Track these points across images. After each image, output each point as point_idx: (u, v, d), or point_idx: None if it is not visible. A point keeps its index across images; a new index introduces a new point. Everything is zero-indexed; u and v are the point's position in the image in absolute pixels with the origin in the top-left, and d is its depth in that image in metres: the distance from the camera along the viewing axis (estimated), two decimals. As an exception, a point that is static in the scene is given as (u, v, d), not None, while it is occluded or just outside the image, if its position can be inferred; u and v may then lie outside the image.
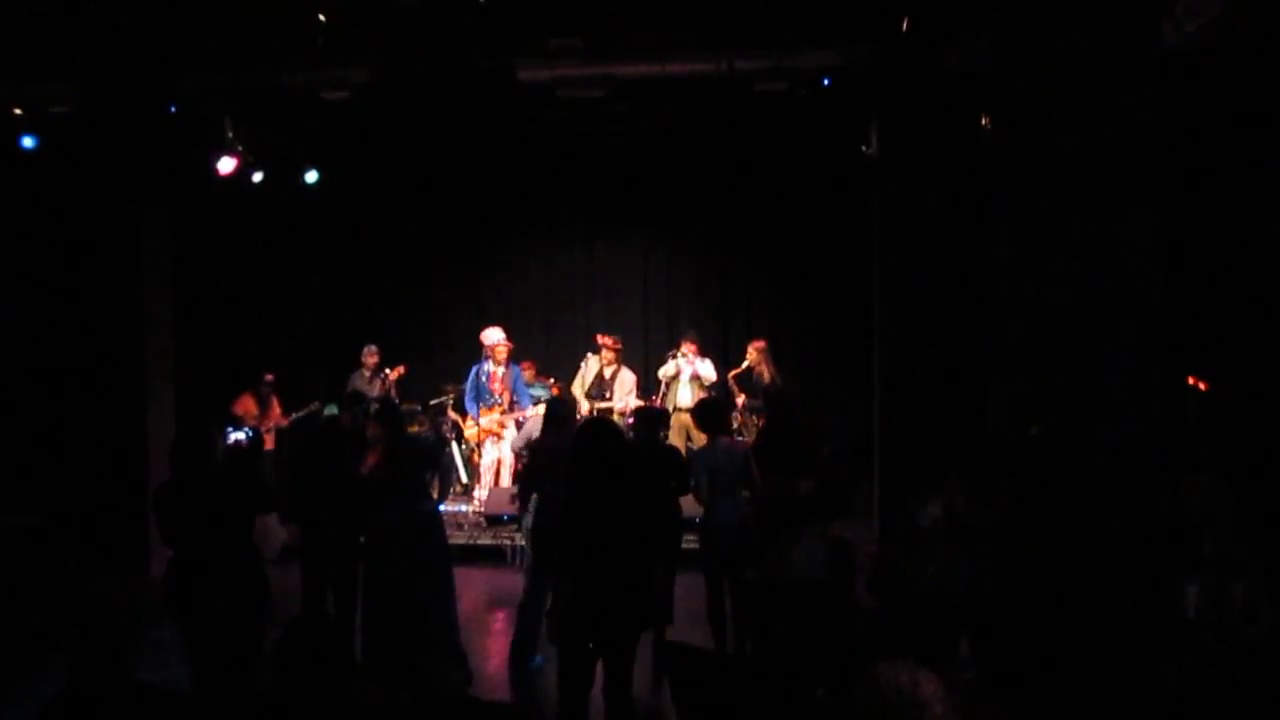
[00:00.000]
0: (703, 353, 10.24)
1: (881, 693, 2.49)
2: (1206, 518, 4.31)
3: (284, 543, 7.98)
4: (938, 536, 4.89)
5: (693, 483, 6.48)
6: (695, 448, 10.09)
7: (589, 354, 10.30)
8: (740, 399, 10.12)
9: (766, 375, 10.05)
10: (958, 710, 2.47)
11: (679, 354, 10.14)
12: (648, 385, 10.98)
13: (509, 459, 9.77)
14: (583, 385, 10.09)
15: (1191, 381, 8.35)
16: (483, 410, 9.73)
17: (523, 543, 7.85)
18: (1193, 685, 4.21)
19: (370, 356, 10.54)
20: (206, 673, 5.14)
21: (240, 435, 10.02)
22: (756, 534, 6.19)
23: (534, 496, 6.69)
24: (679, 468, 6.64)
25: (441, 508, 7.11)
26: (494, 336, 9.71)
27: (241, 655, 5.17)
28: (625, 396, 9.96)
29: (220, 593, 5.12)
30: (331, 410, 9.99)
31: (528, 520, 6.86)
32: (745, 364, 10.22)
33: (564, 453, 6.42)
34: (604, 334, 10.21)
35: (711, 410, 6.96)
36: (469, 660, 3.51)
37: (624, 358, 10.38)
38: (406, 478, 6.30)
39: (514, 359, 10.07)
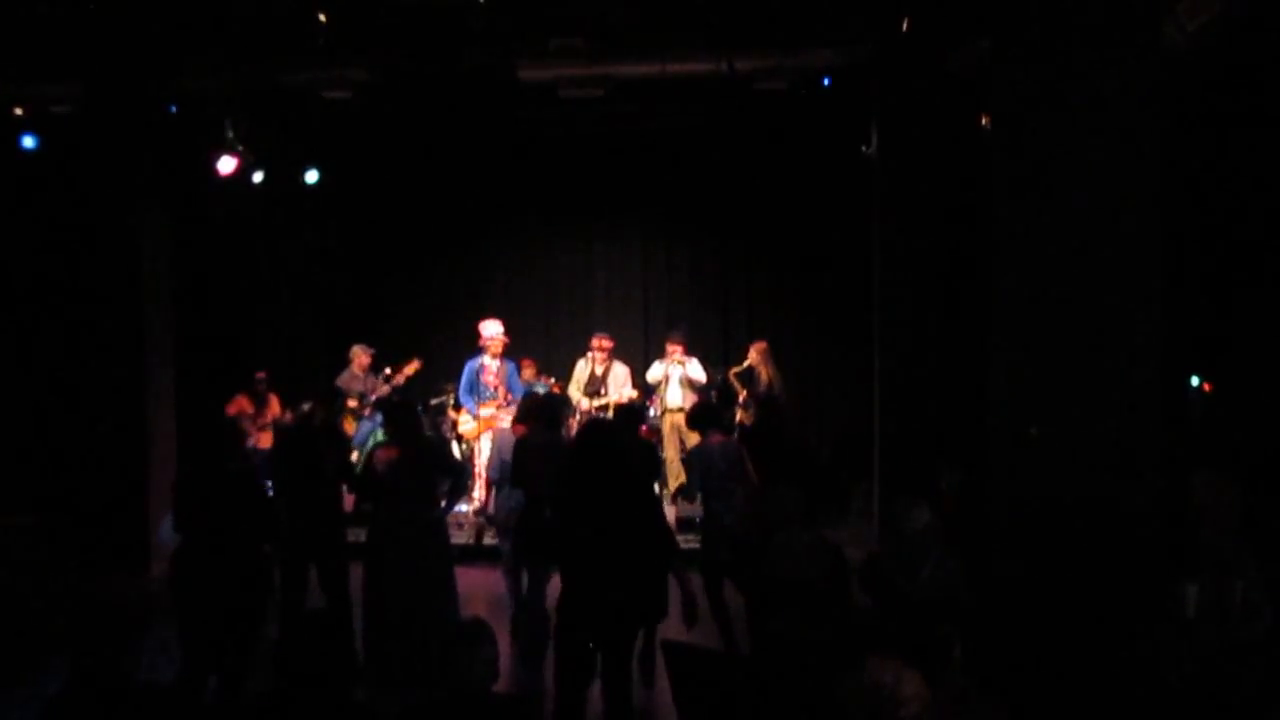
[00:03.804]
0: (689, 352, 10.24)
1: (864, 688, 2.52)
2: (1208, 517, 4.31)
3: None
4: (931, 539, 4.88)
5: (686, 481, 6.51)
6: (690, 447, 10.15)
7: (581, 358, 10.31)
8: (742, 395, 10.15)
9: (764, 376, 10.07)
10: (939, 712, 2.50)
11: (667, 358, 10.14)
12: (648, 386, 10.99)
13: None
14: (579, 386, 10.11)
15: (1195, 381, 8.35)
16: (479, 404, 9.74)
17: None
18: (1193, 685, 4.20)
19: (363, 355, 10.50)
20: (196, 663, 5.17)
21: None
22: (755, 535, 6.19)
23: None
24: (655, 465, 6.68)
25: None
26: (492, 329, 9.69)
27: (234, 649, 5.20)
28: (620, 390, 9.97)
29: (223, 585, 5.17)
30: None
31: (499, 514, 7.00)
32: (746, 363, 10.25)
33: (554, 449, 6.50)
34: (596, 336, 10.21)
35: (700, 411, 7.03)
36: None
37: (624, 357, 10.39)
38: (417, 480, 6.29)
39: (516, 357, 10.07)
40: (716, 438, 6.73)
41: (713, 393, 10.29)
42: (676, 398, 10.05)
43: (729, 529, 6.34)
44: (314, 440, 6.66)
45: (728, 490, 6.48)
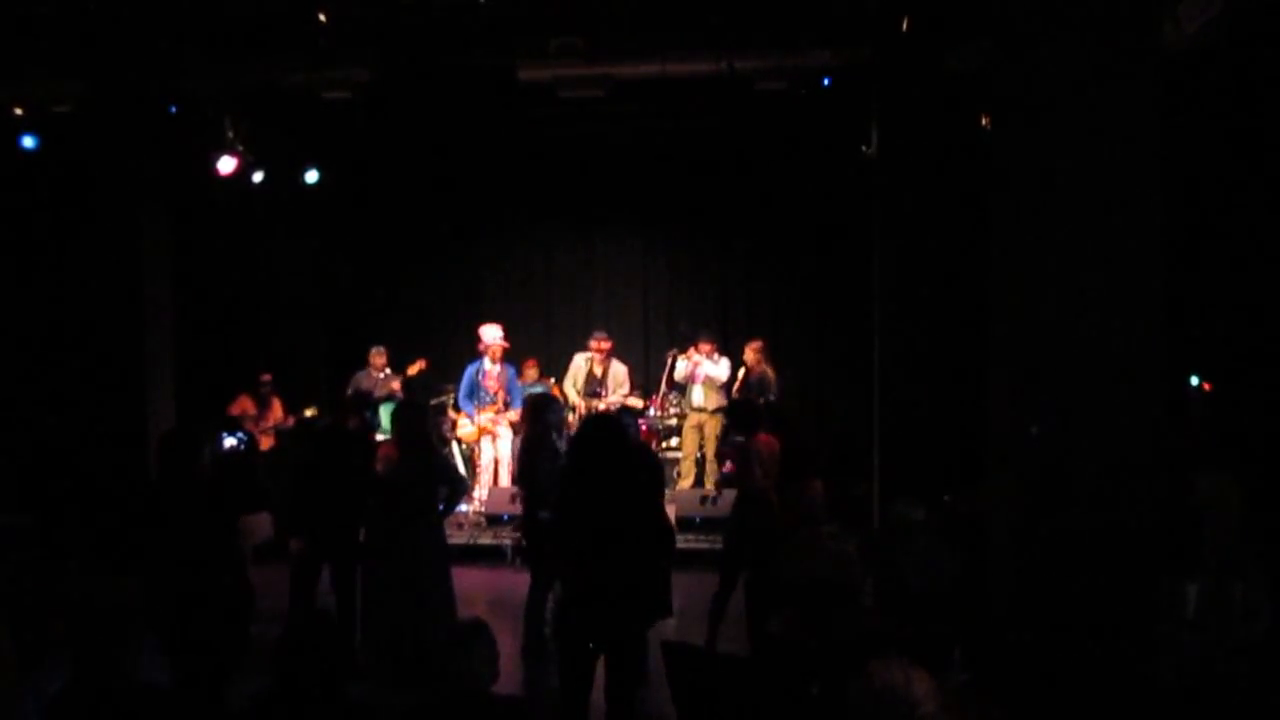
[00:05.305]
0: (722, 352, 10.24)
1: (875, 690, 2.50)
2: (1209, 517, 4.31)
3: (266, 539, 8.08)
4: (921, 530, 4.93)
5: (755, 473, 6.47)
6: (708, 447, 10.16)
7: (578, 353, 10.30)
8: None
9: (772, 378, 10.07)
10: (949, 710, 2.48)
11: (690, 355, 10.13)
12: (648, 386, 10.99)
13: (506, 458, 9.78)
14: (575, 383, 10.10)
15: (1195, 381, 8.36)
16: (478, 409, 9.75)
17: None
18: (1193, 685, 4.20)
19: (378, 357, 10.53)
20: (185, 676, 5.07)
21: (234, 440, 10.04)
22: (774, 536, 6.18)
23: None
24: (653, 466, 6.65)
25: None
26: (492, 334, 9.74)
27: (220, 660, 5.10)
28: (619, 389, 9.98)
29: (200, 597, 5.00)
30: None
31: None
32: (743, 368, 10.24)
33: (543, 449, 6.50)
34: (595, 336, 10.19)
35: (746, 410, 7.00)
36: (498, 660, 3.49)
37: (623, 355, 10.39)
38: (418, 482, 6.28)
39: (516, 357, 10.07)
40: (760, 437, 6.70)
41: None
42: (699, 397, 10.07)
43: (758, 530, 6.34)
44: (348, 445, 6.63)
45: (763, 489, 6.47)
